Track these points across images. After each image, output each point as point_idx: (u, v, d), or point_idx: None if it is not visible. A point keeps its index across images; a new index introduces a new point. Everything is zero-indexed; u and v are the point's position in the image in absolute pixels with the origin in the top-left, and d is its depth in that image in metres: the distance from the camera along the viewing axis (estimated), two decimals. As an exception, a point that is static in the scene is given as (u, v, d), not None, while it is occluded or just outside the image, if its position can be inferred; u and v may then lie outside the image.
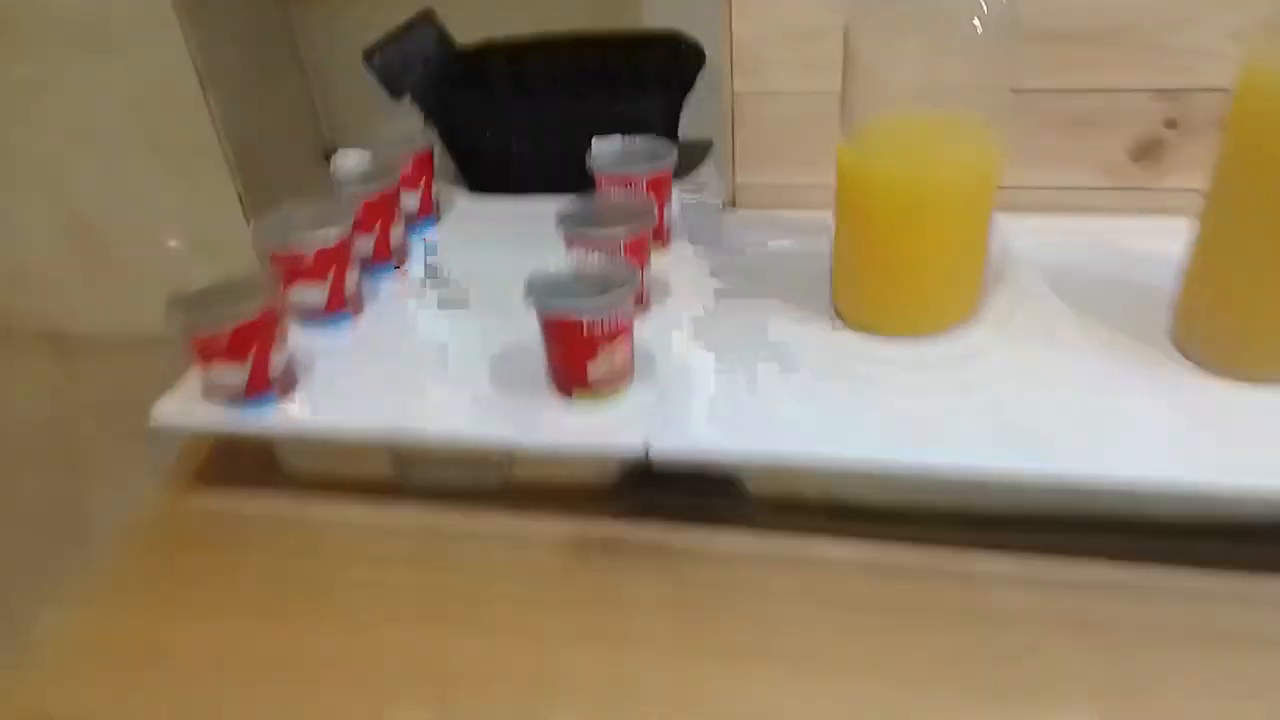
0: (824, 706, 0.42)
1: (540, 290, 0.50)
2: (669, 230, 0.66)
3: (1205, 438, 0.46)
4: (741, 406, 0.51)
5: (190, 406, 0.54)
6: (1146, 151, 0.64)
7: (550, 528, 0.52)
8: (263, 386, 0.53)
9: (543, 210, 0.58)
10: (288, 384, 0.54)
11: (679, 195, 0.69)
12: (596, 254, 0.53)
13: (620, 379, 0.52)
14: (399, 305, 0.63)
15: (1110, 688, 0.42)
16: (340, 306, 0.60)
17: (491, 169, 0.73)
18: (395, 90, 0.74)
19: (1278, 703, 0.41)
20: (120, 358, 1.78)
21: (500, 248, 0.67)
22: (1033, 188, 0.66)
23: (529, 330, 0.51)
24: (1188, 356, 0.51)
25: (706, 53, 0.74)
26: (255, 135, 1.63)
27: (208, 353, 0.51)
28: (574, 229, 0.56)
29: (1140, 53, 0.60)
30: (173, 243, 1.78)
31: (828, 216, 0.56)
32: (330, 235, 0.57)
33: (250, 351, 0.51)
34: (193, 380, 0.55)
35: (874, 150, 0.52)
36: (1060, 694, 0.42)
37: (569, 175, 0.63)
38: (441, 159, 0.74)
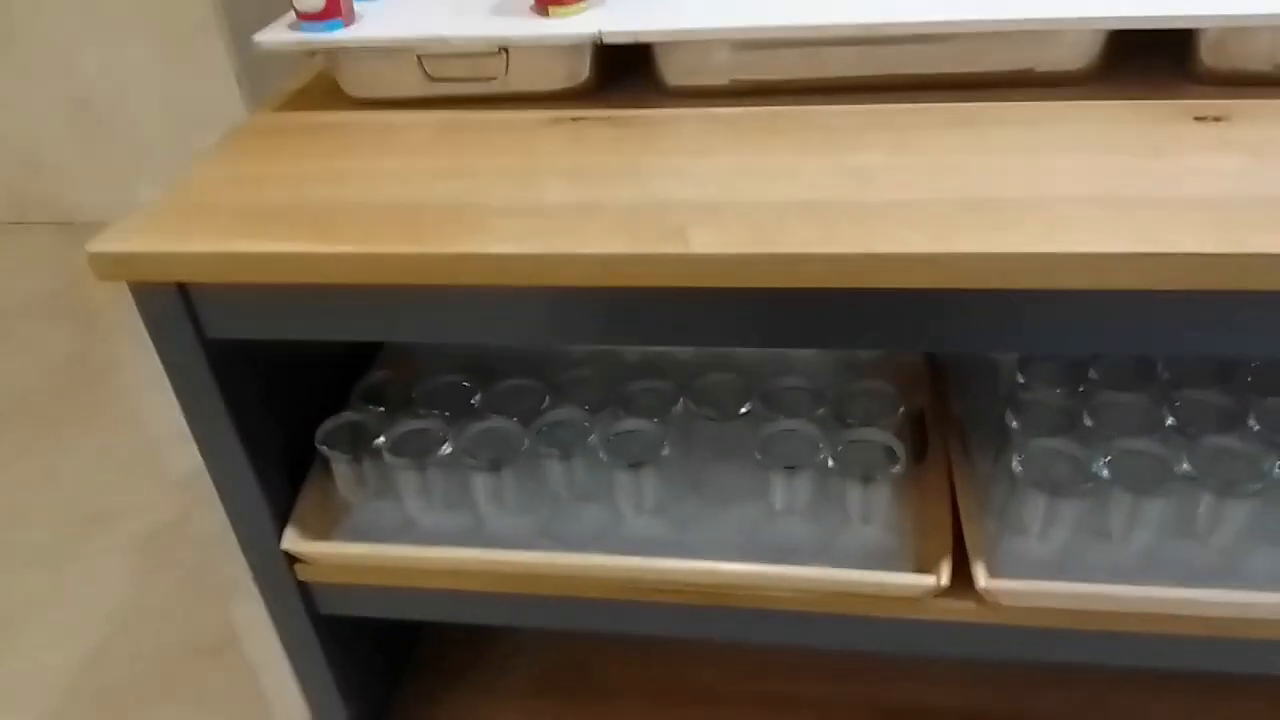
0: (712, 170, 0.68)
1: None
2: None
3: None
4: (666, 6, 0.75)
5: (281, 32, 0.78)
6: None
7: (537, 113, 0.77)
8: (334, 13, 0.76)
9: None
10: (349, 14, 0.78)
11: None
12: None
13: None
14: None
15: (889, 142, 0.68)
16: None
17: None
18: None
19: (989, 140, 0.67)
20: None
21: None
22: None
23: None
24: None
25: None
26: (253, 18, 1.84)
27: (294, -15, 0.75)
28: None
29: None
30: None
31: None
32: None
33: (325, -18, 0.75)
34: (277, 21, 0.79)
35: None
36: (860, 145, 0.68)
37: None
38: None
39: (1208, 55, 0.70)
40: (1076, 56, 0.72)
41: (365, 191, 0.68)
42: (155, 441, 1.48)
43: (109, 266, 0.64)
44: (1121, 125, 0.68)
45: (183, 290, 0.66)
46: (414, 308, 0.65)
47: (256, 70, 1.84)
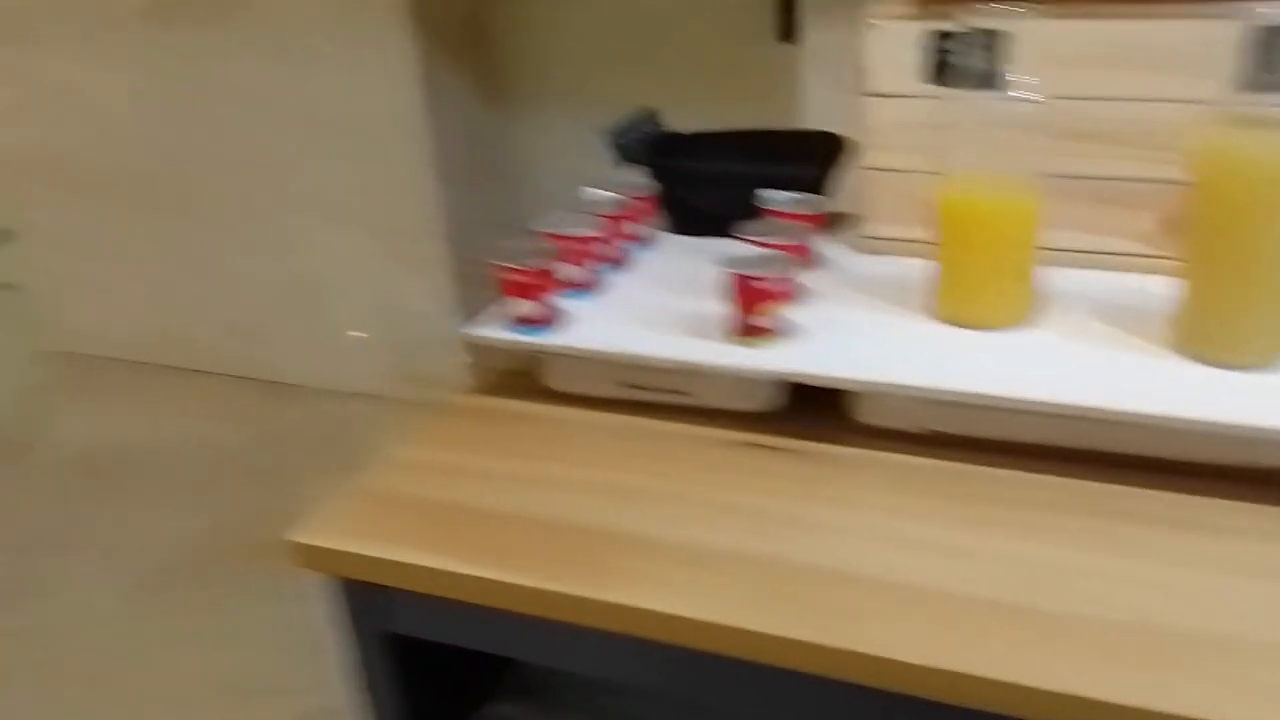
0: (893, 536, 0.67)
1: (731, 261, 0.78)
2: (814, 257, 0.93)
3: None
4: (860, 351, 0.76)
5: (491, 328, 0.84)
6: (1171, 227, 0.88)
7: (721, 433, 0.79)
8: (547, 321, 0.82)
9: (725, 246, 0.87)
10: (559, 320, 0.83)
11: (823, 239, 0.96)
12: (768, 248, 0.81)
13: (777, 331, 0.79)
14: (628, 284, 0.91)
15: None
16: (587, 284, 0.89)
17: (693, 216, 1.03)
18: (625, 159, 1.06)
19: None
20: (320, 403, 2.14)
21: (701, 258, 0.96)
22: (1077, 250, 0.89)
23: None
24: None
25: (847, 141, 1.03)
26: (470, 221, 2.00)
27: (513, 287, 0.81)
28: (750, 234, 0.85)
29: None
30: (354, 333, 2.14)
31: (927, 257, 0.83)
32: (589, 226, 0.87)
33: (540, 294, 0.81)
34: (488, 312, 0.85)
35: (966, 187, 0.79)
36: (1057, 531, 0.65)
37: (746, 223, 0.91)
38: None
39: None
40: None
41: (546, 504, 0.71)
42: (323, 622, 1.54)
43: (314, 559, 0.69)
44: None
45: (384, 590, 0.70)
46: (579, 640, 0.66)
47: (466, 276, 1.99)
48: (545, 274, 0.81)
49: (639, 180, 1.01)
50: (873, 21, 0.88)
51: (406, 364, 2.07)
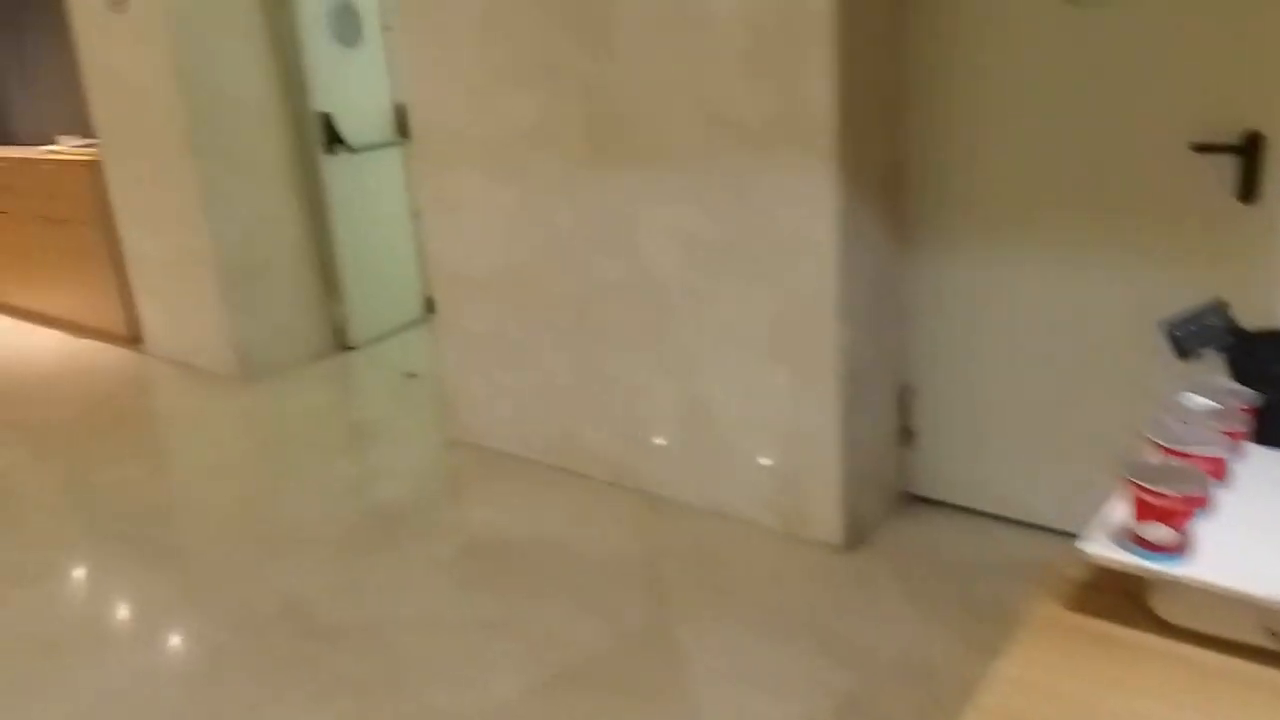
0: None
1: None
2: None
3: None
4: None
5: (1109, 547, 0.77)
6: None
7: None
8: (1180, 549, 0.74)
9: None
10: (1191, 547, 0.75)
11: None
12: None
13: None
14: (1238, 504, 0.82)
15: None
16: (1205, 504, 0.81)
17: None
18: (1184, 354, 0.97)
19: None
20: (701, 522, 2.17)
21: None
22: None
23: None
24: None
25: None
26: (864, 363, 1.98)
27: (1148, 510, 0.74)
28: None
29: None
30: (762, 460, 2.12)
31: None
32: (1211, 442, 0.79)
33: (1183, 521, 0.74)
34: (1101, 526, 0.79)
35: None
36: None
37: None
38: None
39: None
40: None
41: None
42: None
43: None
44: None
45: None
46: None
47: (857, 409, 1.96)
48: (1188, 500, 0.74)
49: (1232, 385, 0.92)
50: None
51: (791, 496, 2.05)
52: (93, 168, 3.54)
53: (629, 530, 2.19)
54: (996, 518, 2.09)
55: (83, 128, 3.85)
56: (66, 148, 4.04)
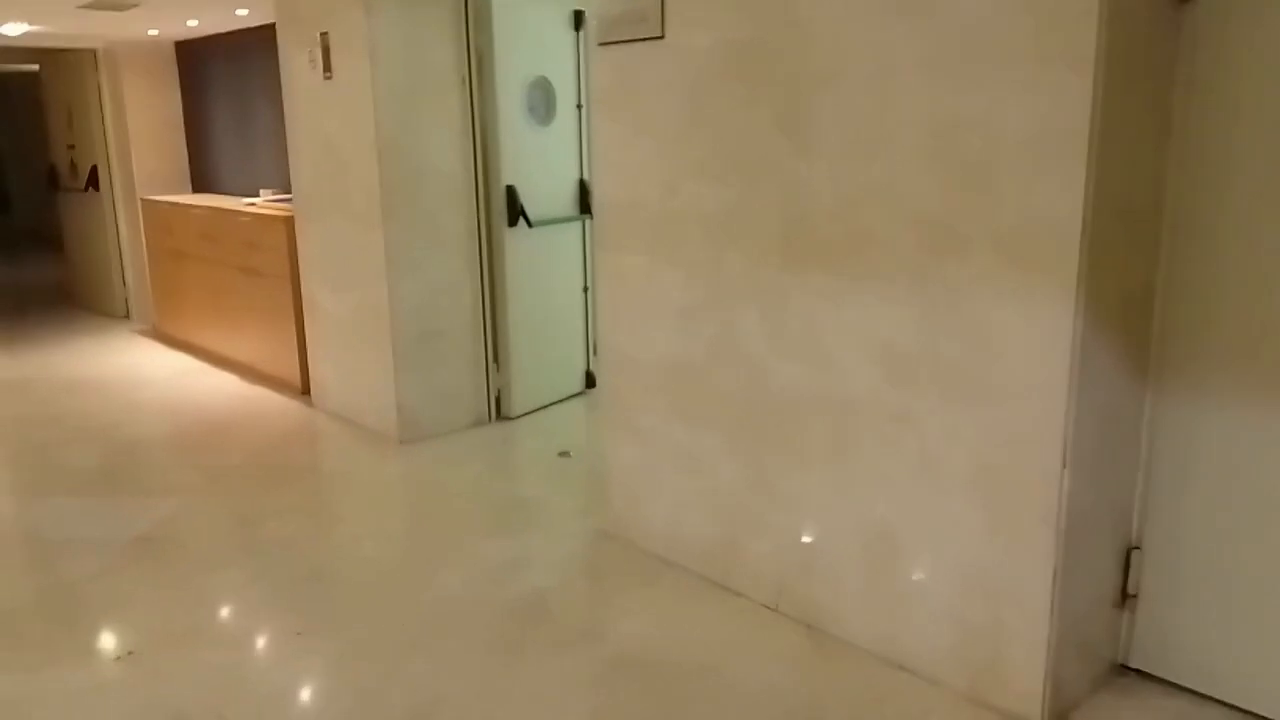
0: None
1: None
2: None
3: None
4: None
5: None
6: None
7: None
8: None
9: None
10: None
11: None
12: None
13: None
14: None
15: None
16: None
17: None
18: None
19: None
20: (867, 666, 1.93)
21: None
22: None
23: None
24: None
25: None
26: (1086, 516, 1.72)
27: None
28: None
29: None
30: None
31: None
32: None
33: None
34: None
35: None
36: None
37: None
38: None
39: None
40: None
41: None
42: None
43: None
44: None
45: None
46: None
47: (1074, 567, 1.70)
48: None
49: None
50: None
51: (984, 656, 1.79)
52: (287, 223, 3.68)
53: (789, 666, 1.98)
54: (1222, 704, 1.77)
55: (284, 182, 4.03)
56: (264, 200, 4.24)
